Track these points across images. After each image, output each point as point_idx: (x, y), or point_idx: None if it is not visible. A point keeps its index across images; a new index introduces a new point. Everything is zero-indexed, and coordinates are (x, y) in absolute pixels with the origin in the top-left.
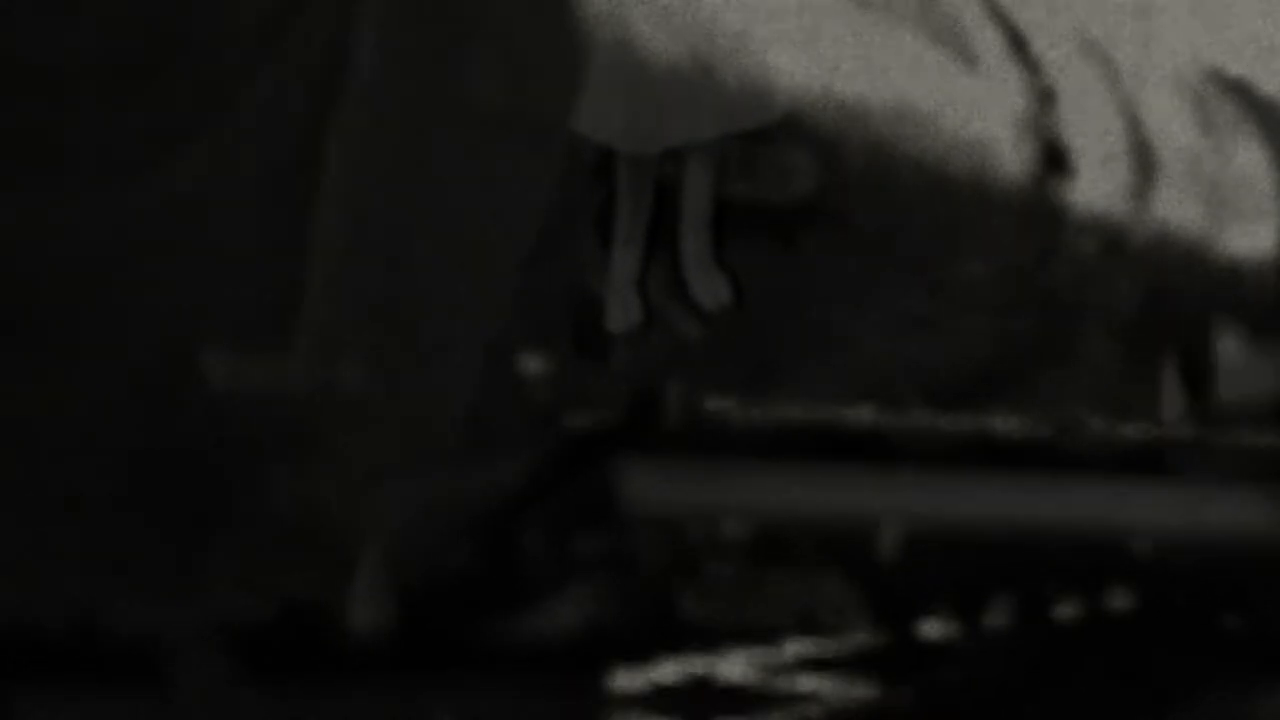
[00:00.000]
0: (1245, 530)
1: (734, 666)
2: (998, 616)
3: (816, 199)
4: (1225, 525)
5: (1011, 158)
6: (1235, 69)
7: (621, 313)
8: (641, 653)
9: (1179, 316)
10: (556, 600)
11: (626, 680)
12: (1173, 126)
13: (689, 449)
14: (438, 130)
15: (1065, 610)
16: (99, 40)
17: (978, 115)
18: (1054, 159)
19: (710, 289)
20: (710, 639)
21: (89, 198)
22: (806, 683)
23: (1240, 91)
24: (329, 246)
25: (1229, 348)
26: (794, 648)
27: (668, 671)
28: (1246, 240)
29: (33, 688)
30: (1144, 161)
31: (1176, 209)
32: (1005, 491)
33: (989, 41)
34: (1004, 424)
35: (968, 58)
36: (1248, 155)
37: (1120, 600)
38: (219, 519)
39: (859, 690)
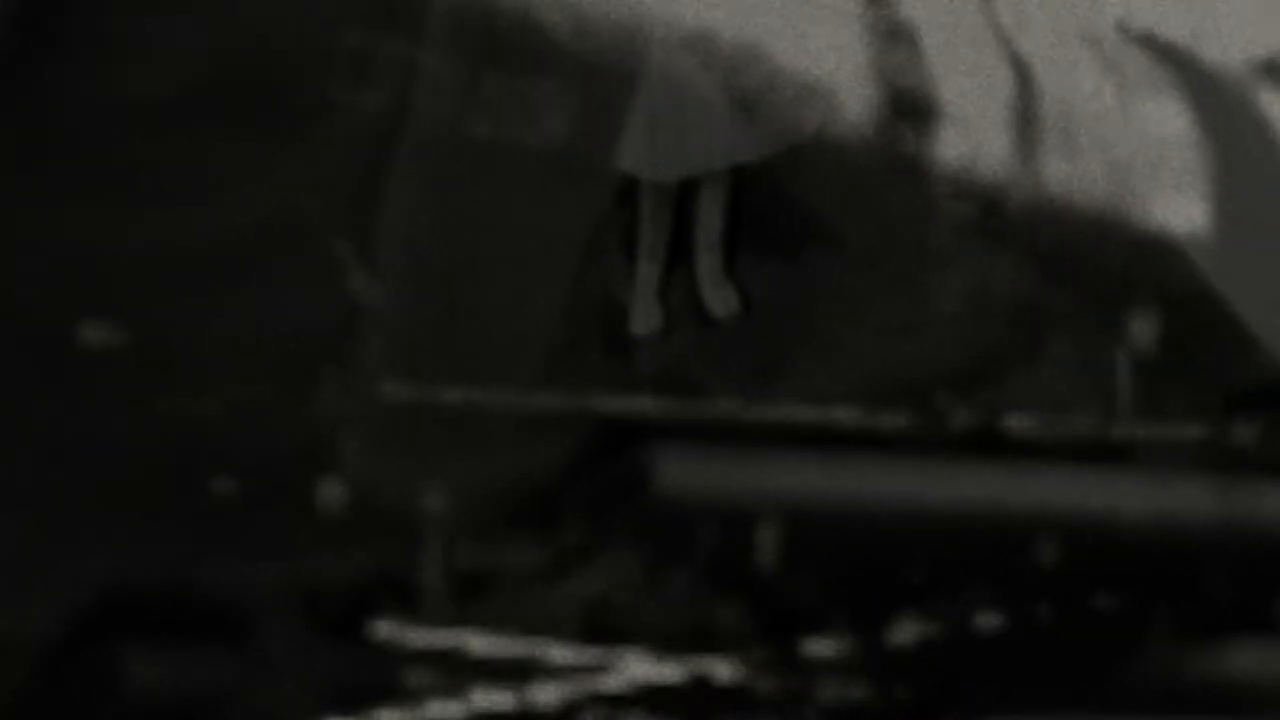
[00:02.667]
0: (1188, 520)
1: (730, 666)
2: (903, 632)
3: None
4: (1169, 514)
5: (853, 102)
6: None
7: (644, 318)
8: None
9: (1088, 296)
10: (590, 571)
11: (630, 671)
12: (1074, 82)
13: (715, 439)
14: (493, 166)
15: (987, 620)
16: (191, 80)
17: (809, 52)
18: (905, 106)
19: (722, 299)
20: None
21: (175, 215)
22: (802, 682)
23: (1163, 51)
24: (392, 270)
25: (1138, 338)
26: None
27: (666, 670)
28: (1171, 212)
29: (135, 643)
30: (1030, 118)
31: (1076, 174)
32: (902, 479)
33: None
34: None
35: None
36: (1170, 121)
37: (1039, 609)
38: (299, 493)
39: (854, 691)
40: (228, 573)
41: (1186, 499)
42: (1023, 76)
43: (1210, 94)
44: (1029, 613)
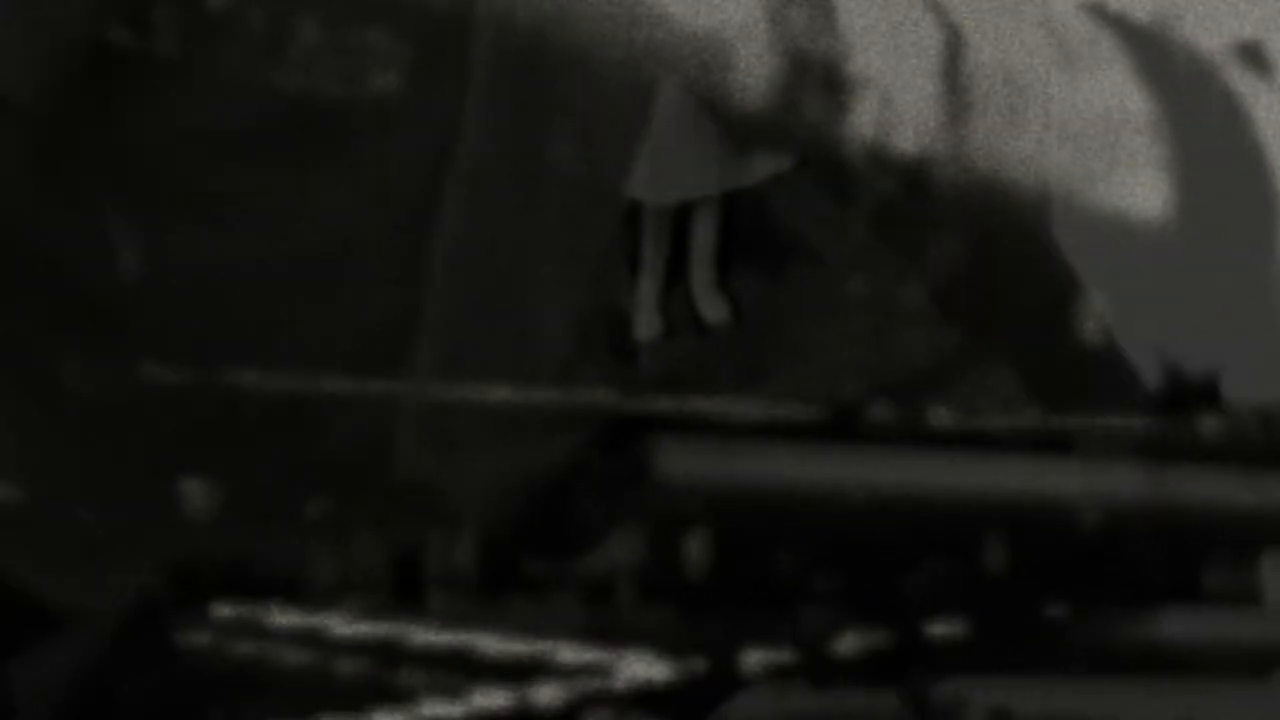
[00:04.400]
0: (1120, 506)
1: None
2: (850, 642)
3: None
4: (1100, 501)
5: (750, 62)
6: None
7: (646, 326)
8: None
9: (1038, 283)
10: (601, 548)
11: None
12: (1012, 48)
13: (709, 431)
14: (525, 194)
15: (938, 630)
16: (251, 118)
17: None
18: (813, 72)
19: (713, 309)
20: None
21: (241, 241)
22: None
23: (1125, 26)
24: (441, 287)
25: (1084, 326)
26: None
27: (666, 669)
28: (1130, 192)
29: (195, 613)
30: (961, 86)
31: (1015, 148)
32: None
33: None
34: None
35: None
36: (1124, 97)
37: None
38: (351, 488)
39: (834, 702)
40: (287, 553)
41: (1122, 484)
42: (953, 39)
43: (1175, 73)
44: (981, 581)
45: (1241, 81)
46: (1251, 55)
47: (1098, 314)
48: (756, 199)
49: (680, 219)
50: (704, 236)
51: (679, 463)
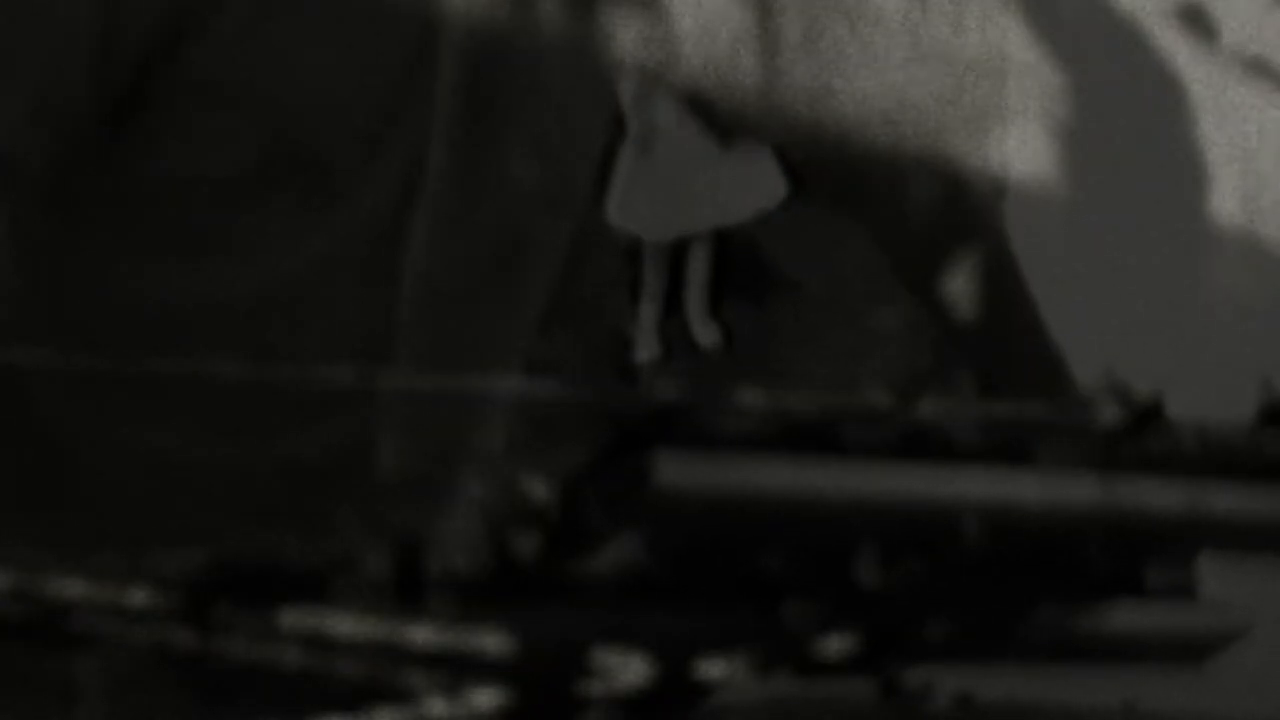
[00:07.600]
0: (1071, 509)
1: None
2: (715, 669)
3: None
4: (1052, 505)
5: None
6: None
7: (646, 348)
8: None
9: (902, 245)
10: (603, 550)
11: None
12: None
13: (705, 444)
14: (487, 208)
15: (830, 648)
16: (238, 158)
17: None
18: None
19: (706, 334)
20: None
21: (234, 270)
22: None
23: None
24: (414, 298)
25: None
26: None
27: (664, 669)
28: (1010, 146)
29: (239, 606)
30: (772, 11)
31: (849, 87)
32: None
33: None
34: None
35: None
36: (1006, 38)
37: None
38: (343, 485)
39: (816, 689)
40: (313, 547)
41: (1076, 491)
42: None
43: (1066, 22)
44: (951, 578)
45: (1175, 45)
46: (1192, 17)
47: (968, 291)
48: (745, 235)
49: (677, 253)
50: (698, 269)
51: (677, 476)
